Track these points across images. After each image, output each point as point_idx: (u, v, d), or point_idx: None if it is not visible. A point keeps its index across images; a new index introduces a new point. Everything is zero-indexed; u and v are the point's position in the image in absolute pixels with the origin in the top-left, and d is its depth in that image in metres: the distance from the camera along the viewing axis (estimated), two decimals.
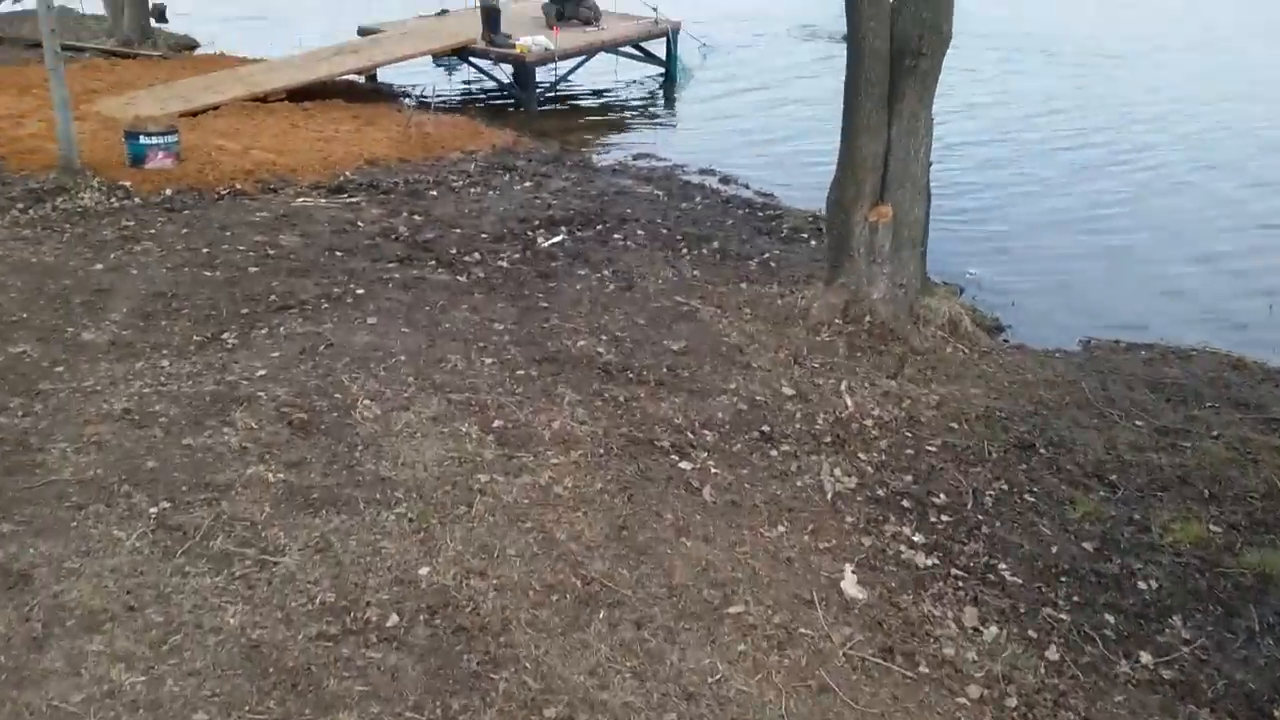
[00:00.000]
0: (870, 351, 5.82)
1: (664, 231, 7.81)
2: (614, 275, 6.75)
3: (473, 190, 8.60)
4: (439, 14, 13.43)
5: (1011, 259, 8.24)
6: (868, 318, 6.03)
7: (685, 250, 7.41)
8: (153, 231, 7.02)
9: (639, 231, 7.76)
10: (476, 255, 6.97)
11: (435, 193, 8.47)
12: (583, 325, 5.91)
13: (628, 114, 12.25)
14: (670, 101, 12.93)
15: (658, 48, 13.36)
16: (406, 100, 11.81)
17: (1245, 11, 19.36)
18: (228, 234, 7.04)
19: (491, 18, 11.79)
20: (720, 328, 6.01)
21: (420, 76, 12.86)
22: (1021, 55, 15.63)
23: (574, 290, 6.45)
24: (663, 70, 13.44)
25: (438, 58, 12.46)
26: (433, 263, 6.81)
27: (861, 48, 5.74)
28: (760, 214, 8.66)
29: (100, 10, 14.91)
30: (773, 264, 7.30)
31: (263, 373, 5.09)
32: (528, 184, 8.92)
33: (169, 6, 16.78)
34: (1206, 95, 13.36)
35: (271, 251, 6.79)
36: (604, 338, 5.76)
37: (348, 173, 8.77)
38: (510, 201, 8.33)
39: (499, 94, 12.24)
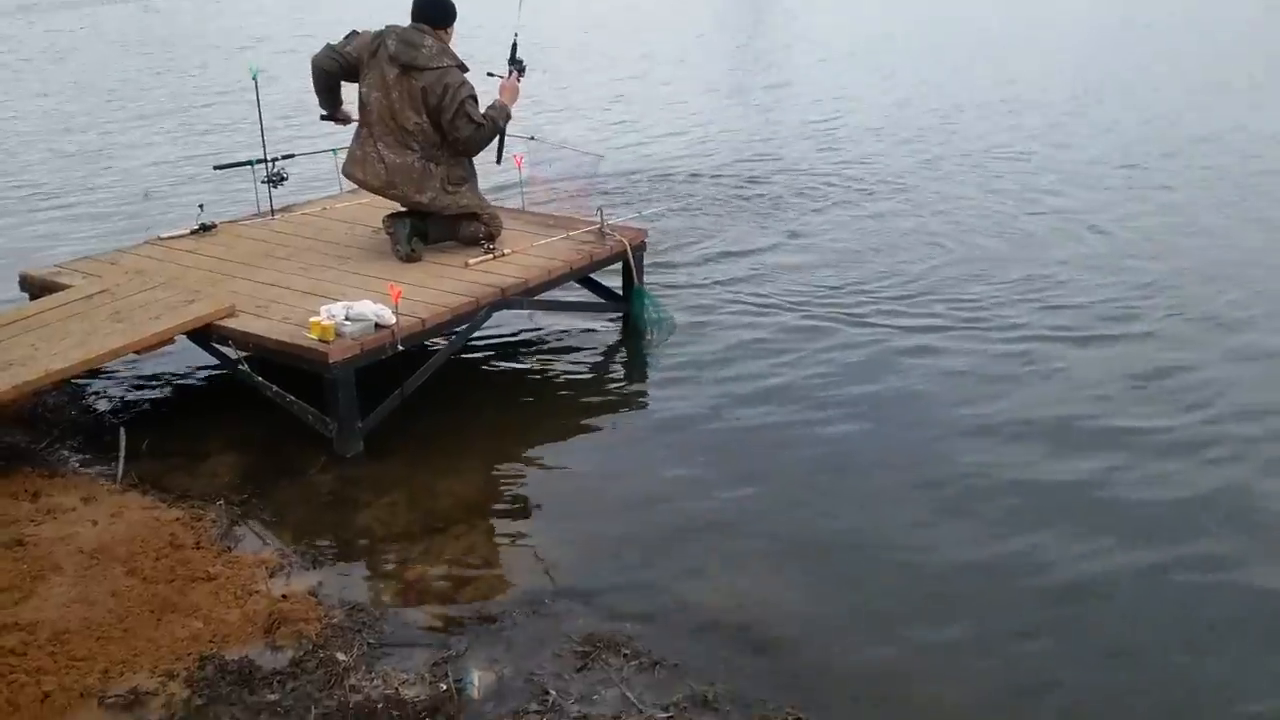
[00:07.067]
0: None
1: None
2: None
3: None
4: (195, 232, 7.08)
5: None
6: None
7: None
8: None
9: None
10: None
11: None
12: None
13: (569, 429, 5.93)
14: (641, 374, 6.71)
15: (607, 276, 7.19)
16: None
17: None
18: None
19: None
20: None
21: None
22: None
23: None
24: (619, 312, 7.24)
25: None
26: None
27: None
28: None
29: None
30: None
31: None
32: None
33: None
34: None
35: None
36: None
37: None
38: None
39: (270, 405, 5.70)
